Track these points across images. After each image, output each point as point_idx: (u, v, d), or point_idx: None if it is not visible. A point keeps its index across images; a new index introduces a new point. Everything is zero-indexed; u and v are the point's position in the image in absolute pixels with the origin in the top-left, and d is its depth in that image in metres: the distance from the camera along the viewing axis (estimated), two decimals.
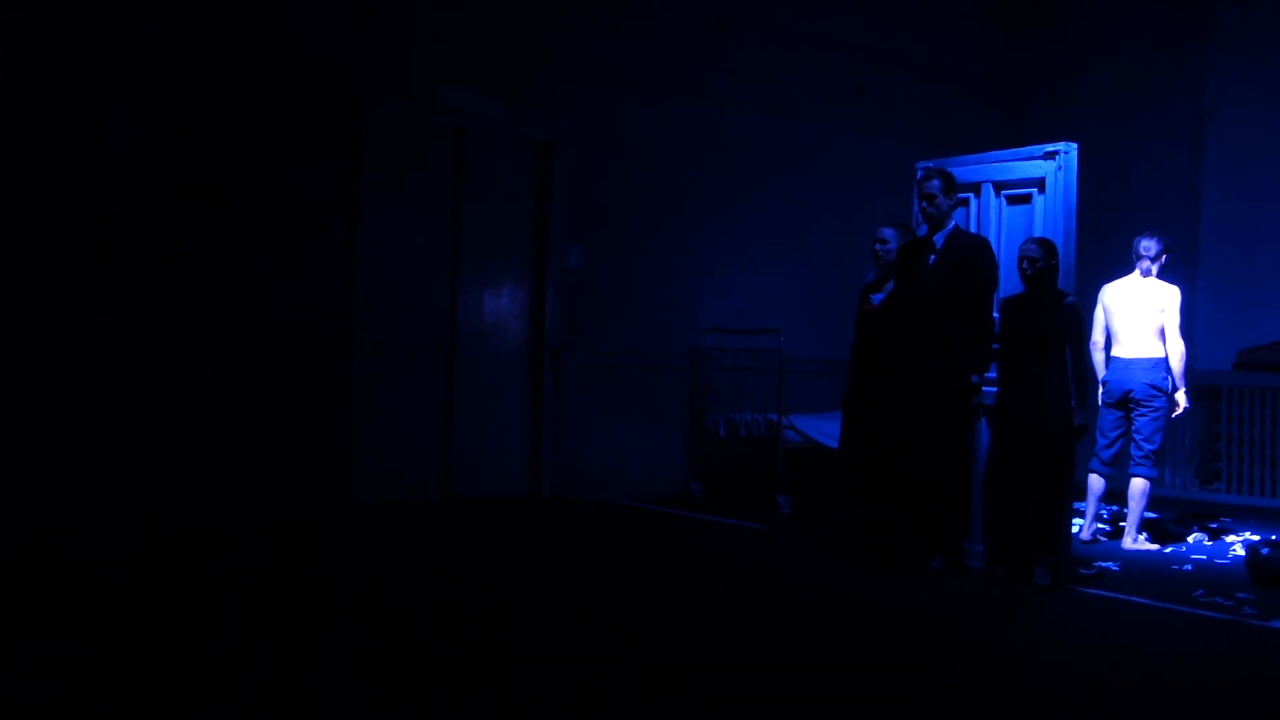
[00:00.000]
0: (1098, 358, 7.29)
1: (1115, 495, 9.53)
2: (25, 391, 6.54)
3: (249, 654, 4.43)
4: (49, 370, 6.61)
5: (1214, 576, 6.39)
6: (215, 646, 4.50)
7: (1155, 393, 7.05)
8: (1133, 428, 7.15)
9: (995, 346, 6.25)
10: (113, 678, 4.09)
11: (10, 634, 4.59)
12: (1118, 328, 7.18)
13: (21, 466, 6.46)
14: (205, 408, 7.10)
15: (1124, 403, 7.16)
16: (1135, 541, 7.25)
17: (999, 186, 6.60)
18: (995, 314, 6.31)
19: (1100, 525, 7.75)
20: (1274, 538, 6.80)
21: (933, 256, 6.28)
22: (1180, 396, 7.14)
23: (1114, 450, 7.29)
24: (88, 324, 6.73)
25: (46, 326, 6.60)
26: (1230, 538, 7.70)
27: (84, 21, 6.70)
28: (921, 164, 6.76)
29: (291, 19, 7.49)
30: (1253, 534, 7.74)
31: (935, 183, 6.28)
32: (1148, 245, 7.15)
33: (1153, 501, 9.32)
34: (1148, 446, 7.09)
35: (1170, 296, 7.09)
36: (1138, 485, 7.15)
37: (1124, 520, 7.41)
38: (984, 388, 6.23)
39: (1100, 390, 7.25)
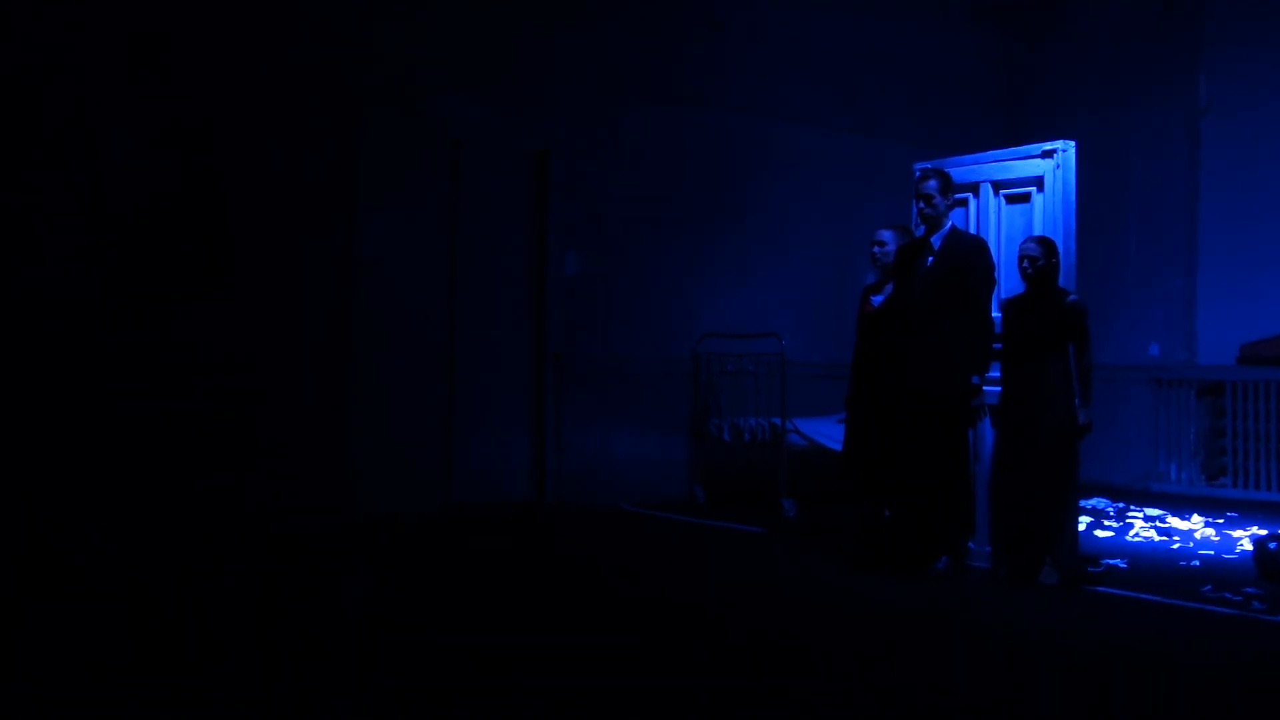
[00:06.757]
0: None
1: (1115, 491, 9.54)
2: (25, 403, 6.53)
3: (249, 664, 4.42)
4: (49, 381, 6.60)
5: (1222, 572, 6.37)
6: (215, 655, 4.49)
7: None
8: None
9: (997, 346, 6.23)
10: (111, 683, 4.08)
11: (11, 635, 4.58)
12: None
13: (25, 476, 6.45)
14: (206, 418, 7.09)
15: None
16: None
17: (998, 186, 6.58)
18: (996, 314, 6.30)
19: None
20: None
21: (930, 258, 6.26)
22: None
23: None
24: (87, 334, 6.72)
25: (46, 338, 6.60)
26: None
27: (83, 33, 6.70)
28: (920, 165, 6.75)
29: (290, 29, 7.50)
30: (1260, 528, 7.72)
31: (932, 183, 6.26)
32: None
33: (1160, 497, 9.32)
34: None
35: None
36: None
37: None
38: (987, 388, 6.21)
39: None
